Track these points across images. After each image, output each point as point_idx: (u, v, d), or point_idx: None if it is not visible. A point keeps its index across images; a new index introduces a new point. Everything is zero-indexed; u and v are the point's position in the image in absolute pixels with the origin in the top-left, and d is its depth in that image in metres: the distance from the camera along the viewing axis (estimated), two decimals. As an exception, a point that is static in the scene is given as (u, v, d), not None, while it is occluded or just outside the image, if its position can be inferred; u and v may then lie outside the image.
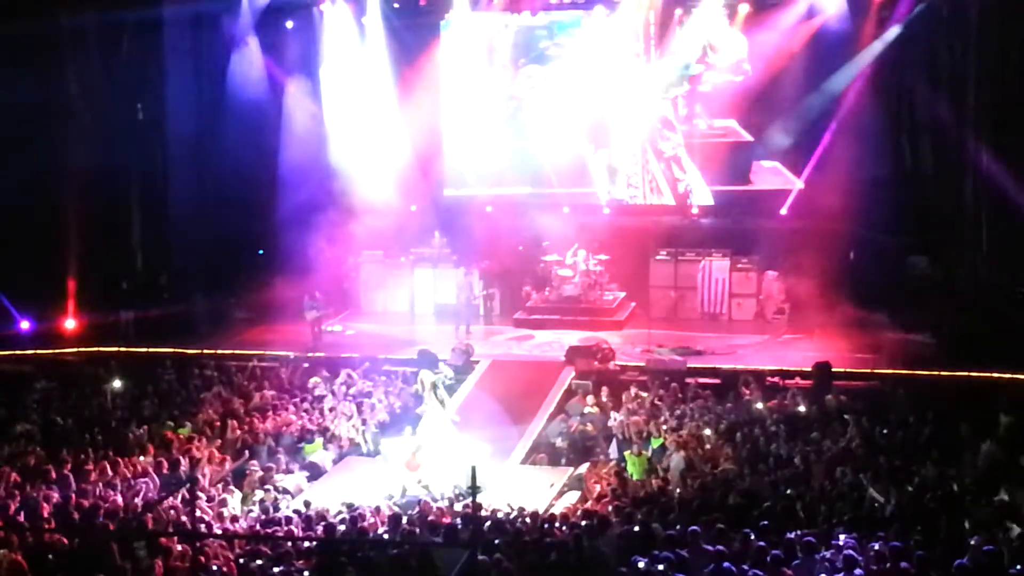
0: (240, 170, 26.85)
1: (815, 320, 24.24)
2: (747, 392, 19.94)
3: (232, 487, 16.57)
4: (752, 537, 12.59)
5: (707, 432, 18.09)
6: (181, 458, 17.09)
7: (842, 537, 12.65)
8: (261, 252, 27.59)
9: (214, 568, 12.09)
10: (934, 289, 24.25)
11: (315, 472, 18.17)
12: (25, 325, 24.70)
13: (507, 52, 27.13)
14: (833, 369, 20.61)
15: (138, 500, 15.37)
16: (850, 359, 22.05)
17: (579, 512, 15.25)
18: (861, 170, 24.44)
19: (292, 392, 21.02)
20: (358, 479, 17.82)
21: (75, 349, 24.20)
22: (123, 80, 26.39)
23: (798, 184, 25.72)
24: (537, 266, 26.63)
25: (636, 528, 13.35)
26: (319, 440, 19.01)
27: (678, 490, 16.04)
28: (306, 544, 13.01)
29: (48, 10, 24.67)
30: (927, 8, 24.32)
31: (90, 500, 14.92)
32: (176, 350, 23.41)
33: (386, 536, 13.84)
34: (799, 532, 12.81)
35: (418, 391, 19.13)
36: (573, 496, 17.08)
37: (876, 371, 21.38)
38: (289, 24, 27.74)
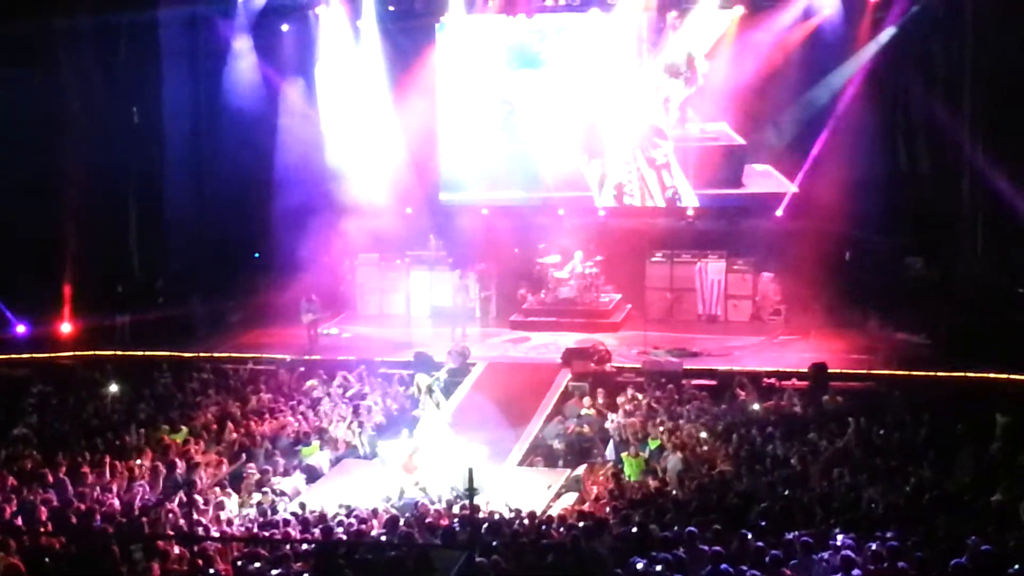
0: (236, 173, 26.90)
1: (811, 321, 24.28)
2: (742, 393, 19.96)
3: (229, 490, 16.56)
4: (749, 538, 12.59)
5: (704, 434, 18.09)
6: (178, 461, 17.09)
7: (840, 537, 12.65)
8: (257, 255, 27.60)
9: (211, 571, 12.10)
10: (930, 290, 24.28)
11: (312, 475, 18.16)
12: (21, 329, 24.68)
13: (501, 55, 27.17)
14: (829, 370, 20.62)
15: (135, 503, 15.35)
16: (846, 360, 22.08)
17: (576, 514, 15.25)
18: (857, 171, 24.48)
19: (289, 395, 21.02)
20: (355, 482, 17.80)
21: (71, 353, 24.15)
22: (119, 83, 26.35)
23: (791, 188, 25.75)
24: (533, 268, 26.64)
25: (633, 529, 13.35)
26: (316, 443, 19.01)
27: (675, 491, 16.05)
28: (304, 546, 13.01)
29: (43, 13, 24.62)
30: (922, 9, 24.35)
31: (87, 503, 14.91)
32: (172, 353, 23.40)
33: (384, 538, 13.83)
34: (796, 533, 12.81)
35: (414, 394, 19.13)
36: (570, 498, 17.08)
37: (872, 372, 21.41)
38: (285, 27, 27.72)
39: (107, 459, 16.91)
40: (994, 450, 16.38)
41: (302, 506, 15.60)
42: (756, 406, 19.24)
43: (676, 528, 13.17)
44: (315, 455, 18.72)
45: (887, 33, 24.73)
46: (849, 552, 11.91)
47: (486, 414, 19.75)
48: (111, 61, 26.36)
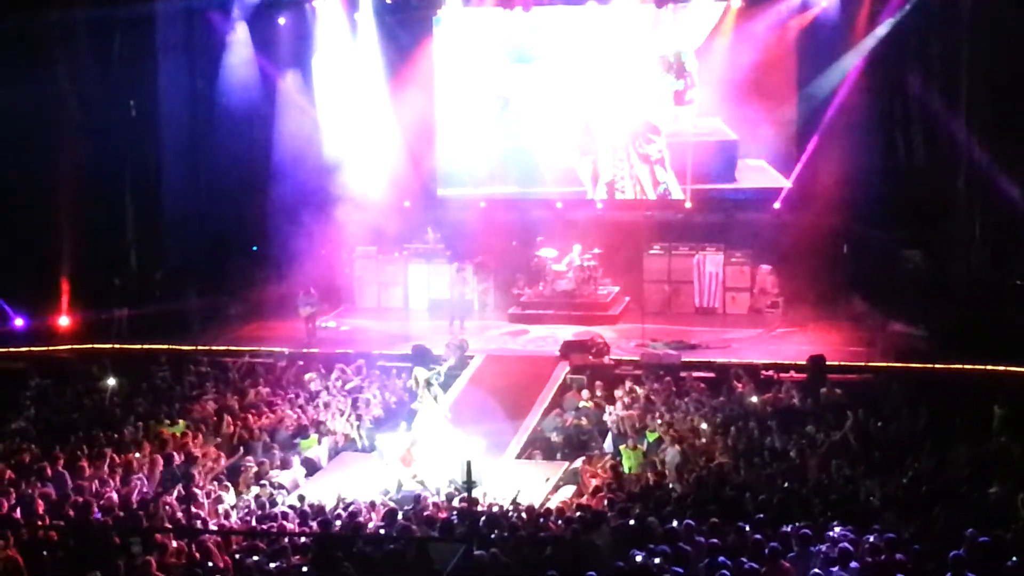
0: (233, 166, 26.90)
1: (809, 314, 24.26)
2: (739, 385, 19.98)
3: (227, 483, 16.57)
4: (747, 530, 12.61)
5: (702, 426, 18.12)
6: (176, 454, 17.09)
7: (837, 529, 12.67)
8: (255, 248, 27.59)
9: (210, 564, 12.10)
10: (928, 283, 24.28)
11: (311, 468, 18.17)
12: (19, 322, 24.68)
13: (498, 49, 27.14)
14: (827, 362, 20.64)
15: (133, 496, 15.36)
16: (844, 352, 22.06)
17: (575, 506, 15.26)
18: (854, 164, 24.50)
19: (287, 388, 21.02)
20: (354, 475, 17.82)
21: (69, 346, 24.16)
22: (115, 77, 26.34)
23: (785, 184, 25.75)
24: (531, 261, 26.63)
25: (632, 522, 13.34)
26: (315, 436, 19.02)
27: (673, 484, 16.06)
28: (302, 539, 13.02)
29: (39, 7, 24.60)
30: (920, 2, 24.32)
31: (85, 497, 14.91)
32: (170, 347, 23.39)
33: (382, 531, 13.84)
34: (795, 525, 12.82)
35: (412, 387, 19.13)
36: (569, 490, 17.09)
37: (870, 364, 21.41)
38: (282, 20, 27.69)
39: (105, 452, 16.91)
40: (992, 442, 16.40)
41: (300, 499, 15.61)
42: (754, 398, 19.26)
43: (674, 520, 13.16)
44: (314, 448, 18.73)
45: (885, 26, 24.72)
46: (847, 544, 11.92)
47: (484, 407, 19.76)
48: (107, 55, 26.37)
